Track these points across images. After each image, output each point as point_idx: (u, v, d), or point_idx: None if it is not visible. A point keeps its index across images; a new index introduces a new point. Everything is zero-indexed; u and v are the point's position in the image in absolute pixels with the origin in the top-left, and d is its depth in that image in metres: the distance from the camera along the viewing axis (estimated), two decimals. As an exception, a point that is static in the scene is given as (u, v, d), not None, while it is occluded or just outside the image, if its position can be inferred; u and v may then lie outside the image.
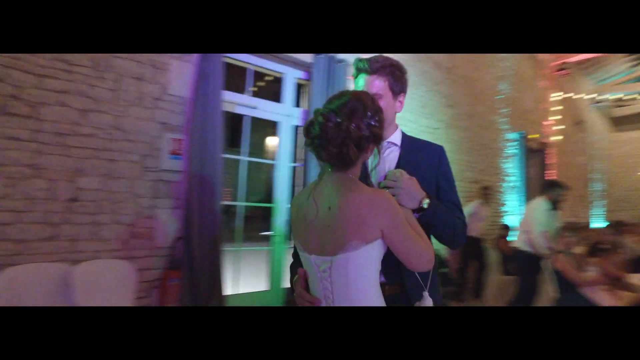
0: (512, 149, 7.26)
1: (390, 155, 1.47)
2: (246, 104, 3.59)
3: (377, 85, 1.42)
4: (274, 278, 3.74)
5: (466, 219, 1.45)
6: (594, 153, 10.90)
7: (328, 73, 3.92)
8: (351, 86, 1.56)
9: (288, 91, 4.00)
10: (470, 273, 5.34)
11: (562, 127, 8.94)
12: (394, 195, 1.22)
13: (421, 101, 5.20)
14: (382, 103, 1.34)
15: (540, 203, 4.07)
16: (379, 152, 1.27)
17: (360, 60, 1.46)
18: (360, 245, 1.09)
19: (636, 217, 8.38)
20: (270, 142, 18.61)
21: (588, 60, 9.24)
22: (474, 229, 4.93)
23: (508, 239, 5.65)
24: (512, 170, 7.22)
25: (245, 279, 4.01)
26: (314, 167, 3.76)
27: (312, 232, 1.18)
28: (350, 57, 4.10)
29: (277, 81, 4.09)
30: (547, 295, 3.84)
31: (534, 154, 7.93)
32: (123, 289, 2.56)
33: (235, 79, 4.21)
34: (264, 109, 3.75)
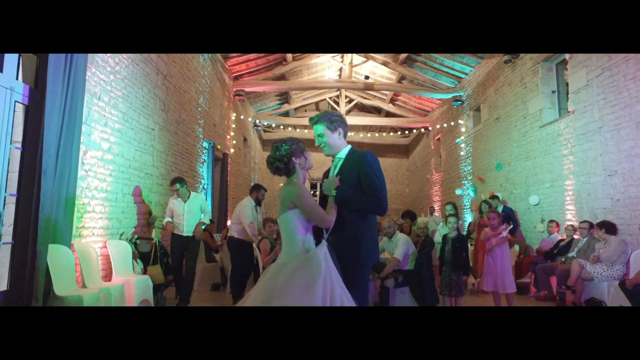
0: (204, 155, 8.34)
1: (338, 164, 2.42)
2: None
3: (319, 129, 2.41)
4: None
5: (355, 203, 2.27)
6: (253, 166, 13.78)
7: (67, 54, 3.61)
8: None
9: (10, 61, 3.39)
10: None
11: (234, 142, 10.92)
12: (322, 188, 2.35)
13: (142, 101, 5.38)
14: (325, 137, 2.40)
15: (249, 200, 5.24)
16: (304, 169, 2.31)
17: (311, 119, 2.45)
18: (285, 210, 2.17)
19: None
20: None
21: (253, 92, 11.74)
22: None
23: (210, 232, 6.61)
24: (204, 173, 8.30)
25: None
26: (47, 152, 3.39)
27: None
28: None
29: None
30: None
31: (218, 161, 9.37)
32: None
33: None
34: (-15, 76, 3.06)
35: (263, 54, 10.01)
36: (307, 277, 2.00)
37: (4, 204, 3.37)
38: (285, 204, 2.19)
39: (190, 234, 4.91)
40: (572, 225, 6.02)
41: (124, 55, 4.82)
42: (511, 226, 6.61)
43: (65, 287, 3.47)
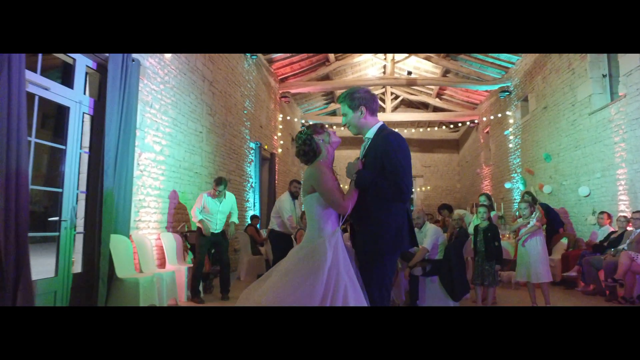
0: (251, 155, 8.85)
1: (366, 144, 2.28)
2: (38, 83, 3.44)
3: (343, 108, 2.31)
4: (62, 264, 3.65)
5: (390, 186, 2.10)
6: (301, 164, 14.22)
7: (122, 69, 4.14)
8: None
9: (79, 78, 3.97)
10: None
11: (282, 142, 11.39)
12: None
13: (190, 107, 5.92)
14: (348, 116, 2.29)
15: (287, 195, 5.58)
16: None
17: (337, 97, 2.45)
18: (306, 194, 2.20)
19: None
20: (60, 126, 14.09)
21: (299, 93, 12.15)
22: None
23: (258, 226, 7.07)
24: (251, 172, 8.81)
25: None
26: (107, 155, 3.93)
27: None
28: (142, 57, 4.48)
29: (67, 67, 3.97)
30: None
31: (265, 161, 9.86)
32: None
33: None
34: (56, 91, 3.65)
35: (306, 56, 10.38)
36: (311, 265, 2.01)
37: (77, 200, 3.96)
38: (306, 187, 2.18)
39: (218, 231, 5.05)
40: (624, 217, 5.71)
41: (172, 66, 5.36)
42: (544, 226, 6.41)
43: (125, 271, 4.01)
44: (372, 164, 2.17)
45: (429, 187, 16.02)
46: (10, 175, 2.83)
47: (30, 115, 3.19)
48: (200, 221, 4.95)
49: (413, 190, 15.93)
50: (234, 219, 5.38)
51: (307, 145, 2.21)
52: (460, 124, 14.14)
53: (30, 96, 3.25)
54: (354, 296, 1.95)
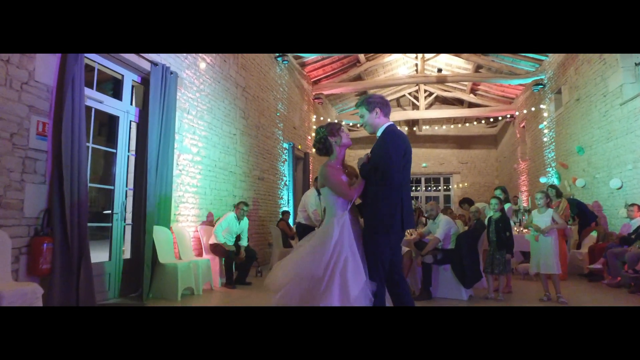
0: (285, 155, 9.36)
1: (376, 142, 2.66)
2: (95, 97, 4.07)
3: (360, 111, 2.72)
4: (115, 250, 4.29)
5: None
6: (336, 163, 14.59)
7: (162, 81, 4.73)
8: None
9: (126, 91, 4.61)
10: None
11: (317, 142, 11.83)
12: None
13: (224, 111, 6.47)
14: (365, 117, 2.67)
15: (312, 190, 6.01)
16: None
17: (356, 103, 2.80)
18: (322, 186, 2.61)
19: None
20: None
21: (333, 94, 12.54)
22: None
23: (289, 221, 7.55)
24: (285, 171, 9.31)
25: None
26: (150, 156, 4.52)
27: None
28: (179, 69, 5.06)
29: (117, 81, 4.62)
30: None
31: (299, 160, 10.34)
32: (1, 255, 2.84)
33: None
34: (108, 104, 4.28)
35: (337, 58, 10.76)
36: (322, 240, 2.49)
37: (126, 196, 4.59)
38: (320, 182, 2.62)
39: (234, 248, 5.39)
40: (653, 208, 5.62)
41: (207, 76, 5.94)
42: (570, 220, 6.40)
43: (166, 258, 4.59)
44: (374, 157, 2.57)
45: (466, 184, 15.84)
46: (74, 175, 3.44)
47: (88, 124, 3.82)
48: (224, 244, 5.30)
49: (450, 187, 15.94)
50: (244, 242, 5.65)
51: (322, 144, 2.65)
52: (492, 119, 13.92)
53: (88, 109, 3.88)
54: (353, 265, 2.36)
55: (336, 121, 14.43)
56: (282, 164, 9.15)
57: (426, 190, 16.43)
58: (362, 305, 2.29)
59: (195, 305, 4.22)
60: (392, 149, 2.48)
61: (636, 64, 6.61)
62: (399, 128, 2.70)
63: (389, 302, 2.61)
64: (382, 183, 2.46)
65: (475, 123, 15.07)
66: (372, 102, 2.63)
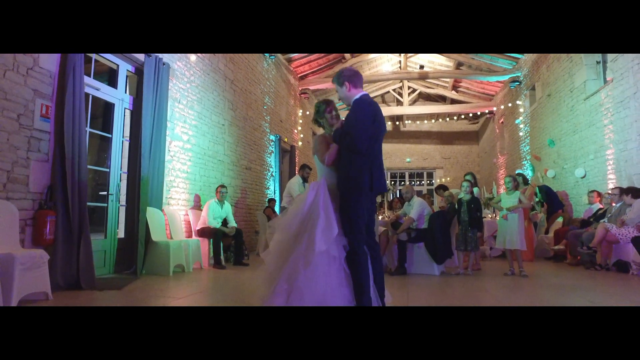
0: (271, 147, 9.68)
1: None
2: (93, 85, 4.35)
3: (336, 88, 2.80)
4: (110, 229, 4.58)
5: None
6: (322, 158, 14.96)
7: (155, 71, 5.03)
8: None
9: (121, 80, 4.89)
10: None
11: (302, 135, 12.17)
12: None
13: (213, 102, 6.77)
14: (339, 92, 2.73)
15: (297, 177, 6.36)
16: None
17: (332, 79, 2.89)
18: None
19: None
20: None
21: (319, 90, 12.89)
22: None
23: (275, 208, 7.90)
24: (272, 162, 9.64)
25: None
26: (143, 142, 4.82)
27: None
28: (171, 61, 5.36)
29: (112, 71, 4.89)
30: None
31: (286, 153, 10.68)
32: (9, 226, 3.12)
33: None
34: (105, 91, 4.56)
35: (323, 55, 11.11)
36: (301, 201, 2.73)
37: (120, 179, 4.87)
38: (313, 152, 2.83)
39: (219, 227, 5.72)
40: (609, 194, 6.11)
41: (197, 68, 6.23)
42: (538, 206, 6.90)
43: (158, 237, 4.89)
44: (345, 124, 2.65)
45: (449, 178, 16.35)
46: (75, 155, 3.72)
47: (87, 110, 4.10)
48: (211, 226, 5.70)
49: (433, 181, 16.43)
50: (232, 224, 6.03)
51: (319, 117, 2.85)
52: (473, 115, 14.44)
53: (86, 95, 4.16)
54: (325, 224, 2.54)
55: (332, 99, 14.74)
56: (268, 155, 9.47)
57: (410, 184, 16.89)
58: (327, 259, 2.55)
59: (185, 281, 4.53)
60: (360, 115, 2.57)
61: (597, 62, 7.11)
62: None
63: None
64: (352, 147, 2.55)
65: (455, 119, 15.59)
66: (341, 76, 2.70)
